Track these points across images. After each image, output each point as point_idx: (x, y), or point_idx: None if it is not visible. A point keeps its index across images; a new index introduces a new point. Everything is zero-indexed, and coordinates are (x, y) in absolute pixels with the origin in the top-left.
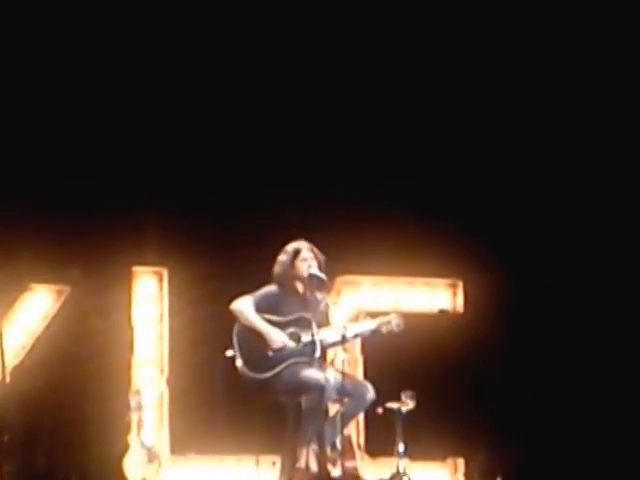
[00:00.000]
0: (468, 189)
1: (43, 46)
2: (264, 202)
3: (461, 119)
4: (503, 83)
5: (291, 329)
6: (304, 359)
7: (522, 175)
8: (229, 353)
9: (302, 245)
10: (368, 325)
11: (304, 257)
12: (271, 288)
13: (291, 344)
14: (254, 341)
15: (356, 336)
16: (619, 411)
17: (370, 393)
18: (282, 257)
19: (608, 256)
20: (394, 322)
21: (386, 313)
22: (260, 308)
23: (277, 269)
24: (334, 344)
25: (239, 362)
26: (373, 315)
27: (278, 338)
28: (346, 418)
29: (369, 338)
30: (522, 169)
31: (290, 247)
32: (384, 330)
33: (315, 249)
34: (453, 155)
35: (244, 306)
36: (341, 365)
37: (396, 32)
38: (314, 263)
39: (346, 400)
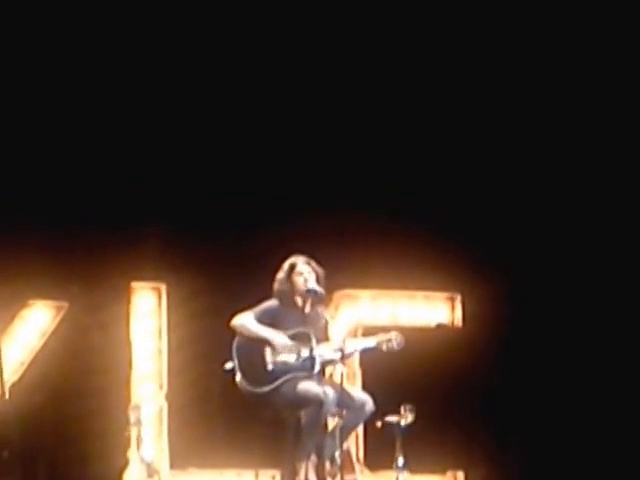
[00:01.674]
0: (465, 203)
1: (33, 68)
2: (262, 217)
3: (458, 134)
4: (501, 98)
5: (291, 343)
6: (303, 374)
7: (519, 189)
8: (228, 366)
9: (298, 259)
10: (368, 342)
11: (300, 271)
12: (271, 303)
13: (292, 356)
14: (254, 355)
15: (354, 352)
16: (619, 420)
17: (369, 405)
18: (280, 274)
19: (606, 268)
20: (395, 341)
21: (387, 329)
22: (261, 323)
23: (276, 286)
24: (333, 360)
25: (238, 376)
26: (373, 331)
27: (283, 343)
28: (345, 430)
29: (367, 354)
30: (520, 183)
31: (286, 263)
32: (384, 348)
33: (312, 262)
34: (451, 170)
35: (245, 320)
36: (340, 378)
37: (390, 50)
38: (311, 276)
39: (345, 412)
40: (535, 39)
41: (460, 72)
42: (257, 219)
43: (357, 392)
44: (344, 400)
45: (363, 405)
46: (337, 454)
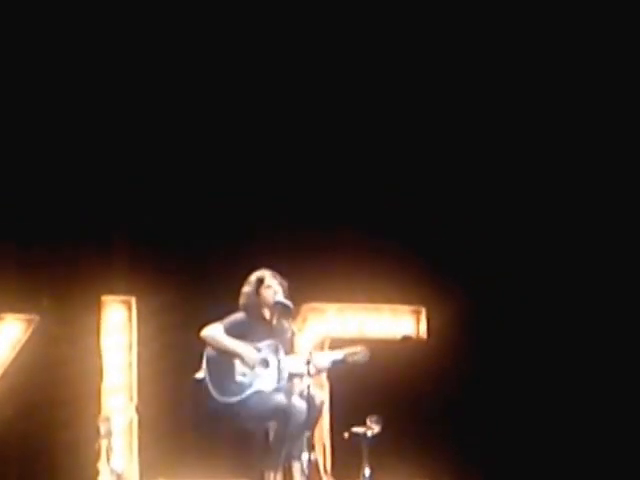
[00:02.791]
0: (431, 220)
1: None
2: (230, 232)
3: (423, 149)
4: (471, 114)
5: (260, 357)
6: (271, 385)
7: (483, 206)
8: (199, 375)
9: (265, 273)
10: (335, 355)
11: (268, 284)
12: (239, 315)
13: (261, 368)
14: (223, 366)
15: (321, 367)
16: (583, 431)
17: (318, 397)
18: (246, 288)
19: (569, 284)
20: (361, 354)
21: (353, 342)
22: (230, 334)
23: (243, 301)
24: (300, 373)
25: (207, 384)
26: (340, 343)
27: (253, 355)
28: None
29: (334, 367)
30: (483, 199)
31: (253, 277)
32: (350, 361)
33: (278, 276)
34: (417, 185)
35: (215, 332)
36: (307, 390)
37: (372, 63)
38: (279, 289)
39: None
40: (534, 46)
41: (429, 100)
42: (225, 234)
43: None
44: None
45: (314, 399)
46: (305, 461)
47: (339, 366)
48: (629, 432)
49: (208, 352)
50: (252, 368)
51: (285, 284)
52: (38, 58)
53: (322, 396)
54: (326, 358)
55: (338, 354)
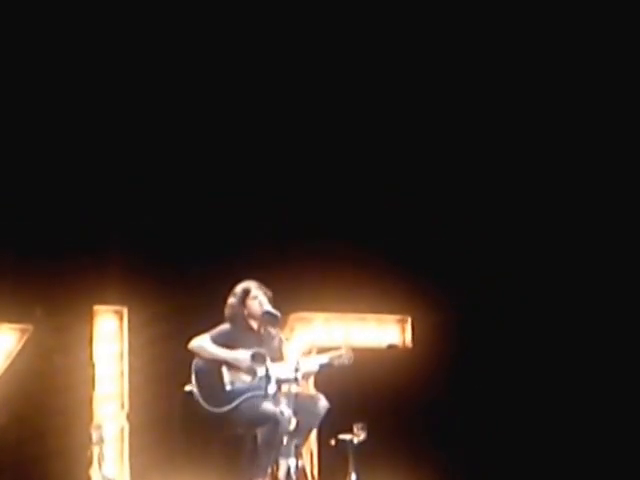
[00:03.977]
0: (415, 230)
1: None
2: (219, 243)
3: (407, 161)
4: (452, 125)
5: (251, 359)
6: (260, 393)
7: (467, 215)
8: (187, 388)
9: (250, 284)
10: (320, 359)
11: (254, 295)
12: (225, 326)
13: (249, 376)
14: (212, 376)
15: (309, 372)
16: (568, 439)
17: (322, 402)
18: (232, 300)
19: (556, 291)
20: (345, 356)
21: (337, 347)
22: (217, 344)
23: (229, 312)
24: (288, 379)
25: (197, 396)
26: (325, 350)
27: (244, 356)
28: (304, 432)
29: (321, 371)
30: (467, 209)
31: (238, 288)
32: (336, 363)
33: (263, 286)
34: (402, 195)
35: (203, 342)
36: (294, 397)
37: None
38: (265, 299)
39: (299, 417)
40: (534, 47)
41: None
42: (215, 246)
43: (309, 393)
44: (297, 404)
45: (316, 404)
46: (292, 467)
47: (326, 370)
48: (621, 445)
49: (196, 364)
50: (246, 373)
51: (270, 294)
52: (36, 65)
53: (325, 403)
54: (313, 362)
55: (323, 358)
